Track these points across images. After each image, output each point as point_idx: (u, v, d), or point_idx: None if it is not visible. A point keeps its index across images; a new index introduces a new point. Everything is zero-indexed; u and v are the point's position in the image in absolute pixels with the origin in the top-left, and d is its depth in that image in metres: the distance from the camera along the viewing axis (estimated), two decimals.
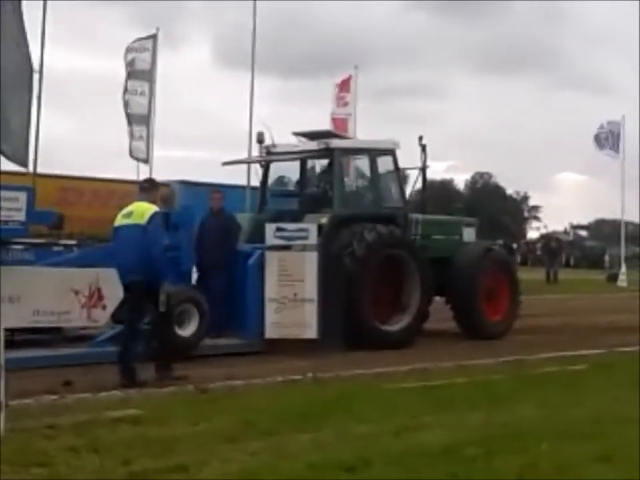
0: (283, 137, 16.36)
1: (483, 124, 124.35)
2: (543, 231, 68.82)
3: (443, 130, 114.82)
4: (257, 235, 15.01)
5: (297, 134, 16.71)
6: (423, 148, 16.76)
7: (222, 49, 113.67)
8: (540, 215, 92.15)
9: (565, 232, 62.82)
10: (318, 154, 16.04)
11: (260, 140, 16.35)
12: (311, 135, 16.53)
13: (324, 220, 14.94)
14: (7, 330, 11.65)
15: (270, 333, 13.68)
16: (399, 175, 16.62)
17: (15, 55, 14.73)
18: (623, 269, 42.05)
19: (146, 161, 22.11)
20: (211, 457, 7.00)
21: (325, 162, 16.42)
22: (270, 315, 13.74)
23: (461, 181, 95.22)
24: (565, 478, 6.58)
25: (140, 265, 10.99)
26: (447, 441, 7.61)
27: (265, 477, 6.43)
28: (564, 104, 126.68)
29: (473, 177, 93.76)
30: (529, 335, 17.75)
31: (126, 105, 21.92)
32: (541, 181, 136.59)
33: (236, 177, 22.36)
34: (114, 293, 11.61)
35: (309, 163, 16.99)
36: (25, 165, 15.69)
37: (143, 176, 21.06)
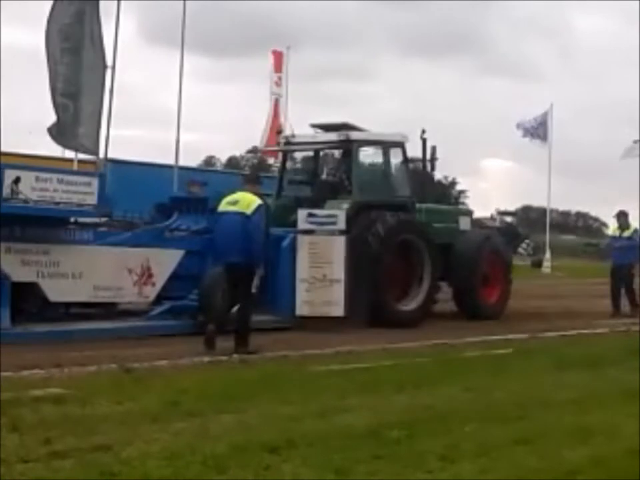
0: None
1: (410, 107, 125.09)
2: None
3: (369, 112, 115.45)
4: (277, 219, 15.95)
5: (313, 125, 17.69)
6: (424, 142, 17.87)
7: (149, 25, 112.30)
8: (466, 200, 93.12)
9: (492, 218, 63.46)
10: (338, 145, 17.28)
11: (279, 131, 17.96)
12: (326, 127, 17.55)
13: (345, 206, 16.12)
14: (62, 304, 13.29)
15: (301, 310, 14.63)
16: (408, 166, 17.74)
17: (90, 52, 16.05)
18: (548, 255, 42.63)
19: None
20: (134, 437, 6.93)
21: (337, 152, 17.92)
22: (301, 294, 14.75)
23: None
24: (487, 459, 6.63)
25: (241, 249, 12.02)
26: (371, 423, 7.63)
27: (188, 458, 6.37)
28: (490, 89, 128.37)
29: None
30: (455, 319, 17.93)
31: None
32: (467, 166, 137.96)
33: (165, 156, 22.14)
34: (162, 271, 14.12)
35: (322, 152, 18.28)
36: (97, 154, 16.84)
37: (69, 153, 20.72)
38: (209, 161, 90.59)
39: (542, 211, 33.54)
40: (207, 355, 11.58)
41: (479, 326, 16.32)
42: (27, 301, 12.91)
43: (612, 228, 20.91)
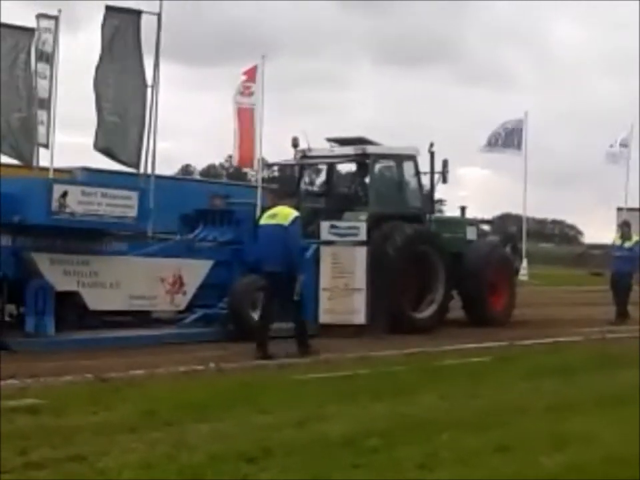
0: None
1: (385, 116, 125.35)
2: None
3: (345, 121, 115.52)
4: None
5: (329, 140, 18.36)
6: (432, 155, 18.16)
7: None
8: (444, 208, 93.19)
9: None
10: (355, 159, 17.85)
11: (295, 144, 18.07)
12: (342, 141, 18.22)
13: (363, 217, 16.64)
14: (99, 312, 13.94)
15: (324, 318, 14.97)
16: (420, 178, 18.23)
17: (132, 72, 17.01)
18: (525, 263, 42.71)
19: (46, 145, 21.62)
20: (111, 447, 6.89)
21: (353, 165, 18.49)
22: (324, 303, 15.15)
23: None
24: (464, 467, 6.63)
25: (280, 258, 12.85)
26: (349, 432, 7.62)
27: (165, 468, 6.34)
28: (466, 98, 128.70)
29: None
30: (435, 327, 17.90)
31: (34, 88, 21.39)
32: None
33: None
34: (193, 280, 14.84)
35: (337, 166, 19.07)
36: (138, 168, 17.58)
37: (44, 161, 20.66)
38: (186, 169, 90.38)
39: (519, 219, 33.60)
40: (162, 367, 11.41)
41: (457, 334, 16.34)
42: (67, 309, 13.52)
43: (614, 237, 21.17)
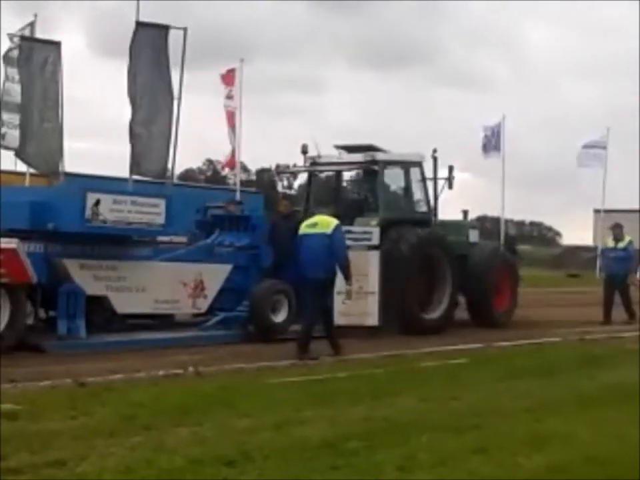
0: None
1: (361, 119, 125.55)
2: None
3: (321, 124, 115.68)
4: None
5: (337, 147, 18.76)
6: (435, 160, 18.71)
7: (98, 36, 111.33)
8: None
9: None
10: (364, 165, 18.22)
11: (304, 151, 18.50)
12: (350, 148, 18.57)
13: (373, 222, 17.09)
14: (125, 315, 14.53)
15: (338, 320, 14.80)
16: (426, 184, 18.61)
17: (160, 84, 17.55)
18: None
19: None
20: (90, 452, 6.87)
21: (361, 172, 18.96)
22: (338, 305, 15.05)
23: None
24: (443, 469, 6.65)
25: (325, 266, 13.39)
26: (328, 435, 7.63)
27: (144, 472, 6.34)
28: (442, 100, 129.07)
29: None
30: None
31: (7, 92, 21.29)
32: None
33: (119, 169, 21.98)
34: (213, 284, 15.44)
35: (345, 173, 19.43)
36: (163, 178, 18.43)
37: (20, 166, 20.57)
38: (186, 173, 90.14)
39: (496, 221, 33.71)
40: (142, 371, 11.39)
41: (434, 336, 16.35)
42: (96, 313, 14.00)
43: (607, 239, 21.47)
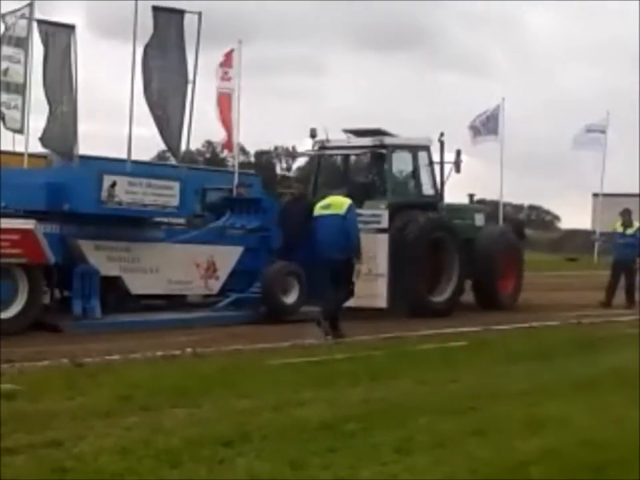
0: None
1: (361, 101, 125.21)
2: None
3: (322, 106, 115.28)
4: None
5: (346, 131, 18.95)
6: (442, 144, 18.88)
7: (97, 17, 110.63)
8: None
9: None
10: (373, 149, 18.40)
11: (313, 135, 18.67)
12: (358, 132, 18.79)
13: (382, 206, 17.31)
14: (139, 296, 14.80)
15: (347, 302, 14.91)
16: (433, 168, 18.82)
17: (175, 67, 17.85)
18: None
19: (20, 131, 21.45)
20: (87, 432, 6.87)
21: (369, 156, 19.04)
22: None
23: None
24: (441, 451, 6.66)
25: (340, 246, 13.56)
26: (326, 416, 7.63)
27: (141, 452, 6.33)
28: (443, 83, 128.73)
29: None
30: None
31: (4, 73, 21.25)
32: None
33: (118, 150, 21.97)
34: (225, 266, 15.78)
35: (353, 156, 19.74)
36: (179, 159, 18.92)
37: (19, 147, 20.53)
38: (163, 155, 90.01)
39: (495, 205, 33.69)
40: (139, 352, 11.36)
41: (433, 319, 16.36)
42: (110, 293, 14.20)
43: (616, 225, 21.60)
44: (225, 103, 24.72)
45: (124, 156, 20.05)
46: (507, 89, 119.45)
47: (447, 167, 19.00)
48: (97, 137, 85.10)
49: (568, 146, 41.31)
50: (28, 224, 13.15)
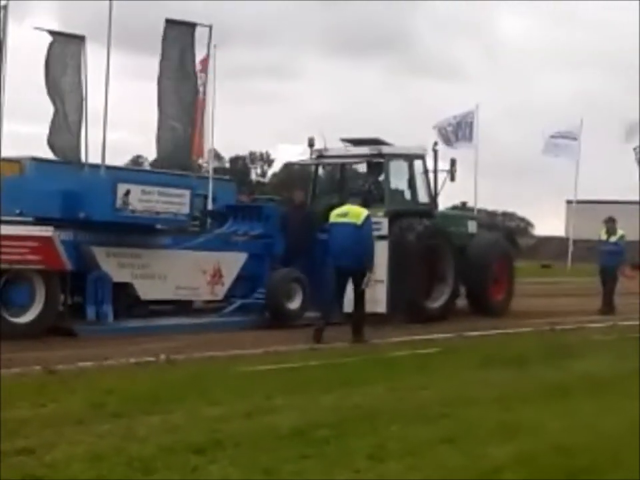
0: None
1: (335, 106, 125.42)
2: None
3: (296, 111, 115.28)
4: None
5: (343, 140, 19.39)
6: (435, 153, 19.43)
7: (71, 21, 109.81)
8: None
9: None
10: (370, 158, 18.71)
11: (311, 144, 19.08)
12: (356, 142, 19.19)
13: (380, 214, 17.38)
14: (147, 302, 15.07)
15: (347, 307, 15.04)
16: (428, 176, 19.15)
17: (188, 77, 18.38)
18: None
19: None
20: (59, 440, 6.85)
21: (367, 164, 19.22)
22: (348, 293, 15.08)
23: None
24: (413, 458, 6.67)
25: (354, 254, 13.95)
26: (299, 423, 7.63)
27: (114, 460, 6.32)
28: (416, 88, 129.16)
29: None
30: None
31: None
32: None
33: (91, 155, 21.85)
34: (230, 272, 16.12)
35: (350, 165, 19.97)
36: (189, 169, 19.70)
37: None
38: (137, 160, 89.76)
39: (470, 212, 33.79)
40: (112, 358, 11.40)
41: (406, 326, 16.39)
42: (121, 299, 14.51)
43: (600, 232, 21.88)
44: (199, 108, 24.68)
45: (97, 161, 20.07)
46: (479, 93, 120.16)
47: (442, 175, 19.38)
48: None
49: (540, 151, 41.58)
50: (47, 231, 13.55)
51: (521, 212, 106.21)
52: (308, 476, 6.17)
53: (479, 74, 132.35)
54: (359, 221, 14.12)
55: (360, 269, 14.07)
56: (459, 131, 32.55)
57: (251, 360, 11.54)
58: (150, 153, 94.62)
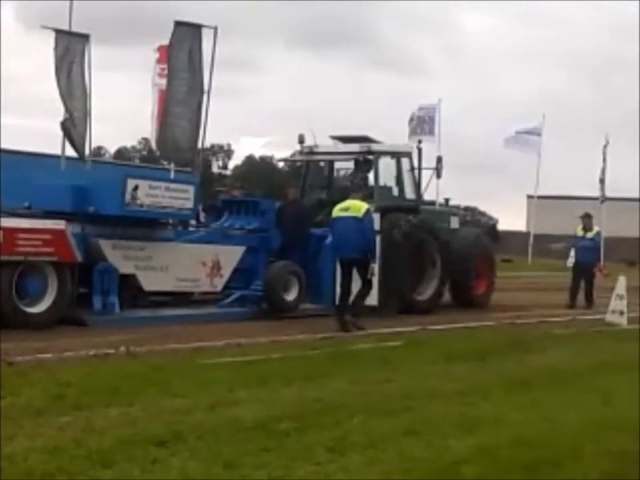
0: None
1: (298, 100, 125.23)
2: None
3: (260, 105, 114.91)
4: None
5: (333, 137, 20.00)
6: (420, 151, 19.77)
7: (27, 10, 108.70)
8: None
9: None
10: (360, 155, 19.24)
11: (301, 140, 19.53)
12: (345, 139, 19.82)
13: (372, 209, 17.27)
14: (150, 292, 15.47)
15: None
16: (414, 173, 19.67)
17: (195, 78, 18.52)
18: None
19: None
20: (17, 432, 6.77)
21: (354, 161, 19.60)
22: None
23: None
24: (375, 451, 6.67)
25: (357, 246, 14.71)
26: (260, 416, 7.61)
27: (73, 452, 6.26)
28: (378, 83, 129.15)
29: (293, 155, 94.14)
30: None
31: None
32: None
33: (51, 146, 21.74)
34: (228, 264, 16.59)
35: (340, 162, 20.38)
36: (194, 167, 19.60)
37: None
38: (97, 152, 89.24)
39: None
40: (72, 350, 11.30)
41: (371, 319, 16.40)
42: (125, 290, 14.89)
43: (577, 228, 22.15)
44: (161, 100, 24.51)
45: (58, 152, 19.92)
46: (442, 87, 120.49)
47: (427, 173, 19.88)
48: (27, 131, 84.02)
49: (502, 146, 41.80)
50: (59, 224, 13.99)
51: (482, 206, 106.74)
52: (270, 469, 6.14)
53: (441, 70, 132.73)
54: (360, 214, 14.77)
55: (362, 259, 14.75)
56: (424, 124, 32.58)
57: (213, 352, 11.48)
58: (111, 145, 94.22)
